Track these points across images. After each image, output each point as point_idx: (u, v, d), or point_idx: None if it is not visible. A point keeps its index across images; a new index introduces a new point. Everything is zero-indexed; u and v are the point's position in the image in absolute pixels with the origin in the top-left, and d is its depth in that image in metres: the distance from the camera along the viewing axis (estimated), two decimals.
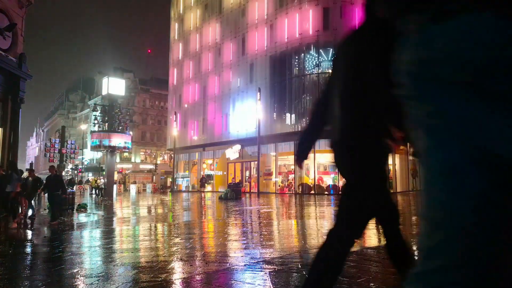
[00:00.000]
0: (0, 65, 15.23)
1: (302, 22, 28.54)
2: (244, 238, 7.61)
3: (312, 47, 27.74)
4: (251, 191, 30.93)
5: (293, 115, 28.40)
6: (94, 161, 59.94)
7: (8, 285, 4.30)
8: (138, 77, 60.50)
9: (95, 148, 28.25)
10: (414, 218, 11.25)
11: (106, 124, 28.34)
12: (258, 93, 28.26)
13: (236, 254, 5.83)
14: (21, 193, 11.62)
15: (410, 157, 32.03)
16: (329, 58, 27.43)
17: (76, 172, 58.25)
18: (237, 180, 29.62)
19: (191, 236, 8.06)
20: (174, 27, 43.13)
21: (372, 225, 9.46)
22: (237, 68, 33.80)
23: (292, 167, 28.77)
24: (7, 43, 15.96)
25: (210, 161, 37.17)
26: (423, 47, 0.71)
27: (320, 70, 27.44)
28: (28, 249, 7.08)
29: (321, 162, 29.40)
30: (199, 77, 38.29)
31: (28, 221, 11.37)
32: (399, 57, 0.77)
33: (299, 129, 27.65)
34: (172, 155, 43.18)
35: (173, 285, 4.19)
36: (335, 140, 2.04)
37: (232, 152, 33.00)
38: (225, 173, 34.76)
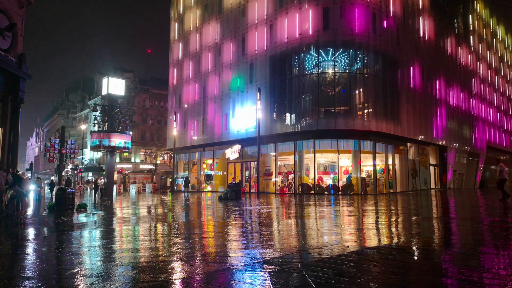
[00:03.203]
0: (0, 65, 15.22)
1: (302, 22, 28.53)
2: (244, 238, 7.60)
3: (312, 47, 27.74)
4: (251, 191, 30.92)
5: (293, 115, 28.38)
6: (94, 161, 59.92)
7: (8, 285, 4.30)
8: (138, 77, 60.49)
9: (95, 148, 28.18)
10: (414, 218, 11.25)
11: (106, 124, 28.28)
12: (258, 93, 28.24)
13: (236, 254, 5.83)
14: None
15: (410, 157, 32.07)
16: (329, 58, 27.44)
17: (76, 172, 58.28)
18: (237, 180, 29.62)
19: (191, 236, 8.06)
20: (174, 27, 43.13)
21: (372, 225, 9.47)
22: (237, 68, 33.81)
23: (292, 167, 28.79)
24: (7, 43, 15.96)
25: (210, 161, 37.17)
26: None
27: (320, 70, 27.43)
28: (28, 249, 7.08)
29: (321, 162, 29.40)
30: (199, 77, 38.29)
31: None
32: None
33: (299, 129, 27.66)
34: (172, 155, 43.15)
35: (173, 285, 4.19)
36: None
37: (232, 152, 32.99)
38: (225, 173, 34.76)
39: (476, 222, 9.80)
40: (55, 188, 28.35)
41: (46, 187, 32.51)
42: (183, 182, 37.92)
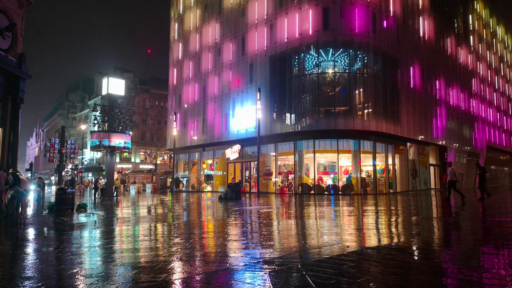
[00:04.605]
0: (0, 65, 15.22)
1: (302, 22, 28.53)
2: (244, 238, 7.60)
3: (312, 47, 27.74)
4: (251, 191, 30.92)
5: (293, 115, 28.39)
6: (94, 161, 59.92)
7: (8, 285, 4.30)
8: (138, 77, 60.48)
9: (95, 148, 28.16)
10: (414, 218, 11.24)
11: (106, 124, 28.26)
12: (258, 93, 28.24)
13: (236, 254, 5.83)
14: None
15: (410, 157, 32.07)
16: (329, 58, 27.44)
17: (76, 172, 58.27)
18: (237, 180, 29.61)
19: (191, 236, 8.06)
20: (174, 27, 43.13)
21: (372, 225, 9.47)
22: (237, 68, 33.81)
23: (292, 167, 28.79)
24: (7, 43, 15.96)
25: (210, 161, 37.17)
26: None
27: (320, 70, 27.44)
28: (28, 249, 7.08)
29: (321, 162, 29.40)
30: (199, 77, 38.29)
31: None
32: None
33: (299, 129, 27.65)
34: (172, 155, 43.14)
35: (173, 285, 4.19)
36: None
37: (232, 152, 32.99)
38: (225, 173, 34.75)
39: (476, 222, 9.80)
40: (51, 188, 28.42)
41: (46, 187, 32.47)
42: (174, 182, 37.91)
